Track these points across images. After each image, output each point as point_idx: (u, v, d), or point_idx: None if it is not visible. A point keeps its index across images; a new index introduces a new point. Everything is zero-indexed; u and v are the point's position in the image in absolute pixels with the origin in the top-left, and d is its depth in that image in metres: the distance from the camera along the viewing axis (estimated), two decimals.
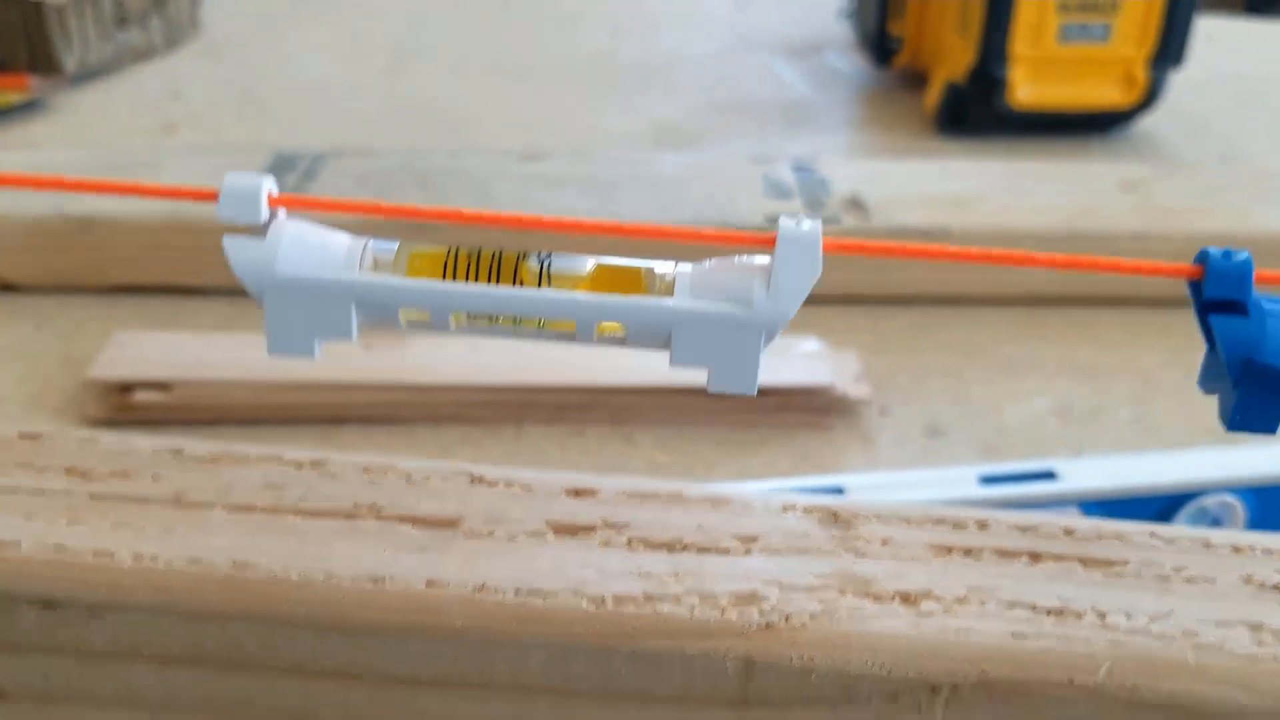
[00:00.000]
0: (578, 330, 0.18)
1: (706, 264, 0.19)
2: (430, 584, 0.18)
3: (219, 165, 0.54)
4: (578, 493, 0.21)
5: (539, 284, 0.18)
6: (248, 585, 0.18)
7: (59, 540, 0.19)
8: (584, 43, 0.86)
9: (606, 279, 0.19)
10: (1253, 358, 0.18)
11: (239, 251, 0.18)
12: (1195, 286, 0.19)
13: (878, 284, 0.51)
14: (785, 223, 0.18)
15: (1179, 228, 0.52)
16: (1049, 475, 0.36)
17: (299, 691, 0.19)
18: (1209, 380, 0.19)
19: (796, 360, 0.45)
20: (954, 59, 0.69)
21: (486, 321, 0.18)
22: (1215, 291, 0.18)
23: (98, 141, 0.66)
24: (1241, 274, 0.18)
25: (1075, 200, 0.54)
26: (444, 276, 0.18)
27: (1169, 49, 0.66)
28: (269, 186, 0.18)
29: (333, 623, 0.18)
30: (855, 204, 0.52)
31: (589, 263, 0.19)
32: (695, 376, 0.19)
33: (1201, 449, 0.38)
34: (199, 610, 0.18)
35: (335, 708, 0.19)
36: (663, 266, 0.19)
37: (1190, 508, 0.36)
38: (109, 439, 0.21)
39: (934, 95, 0.71)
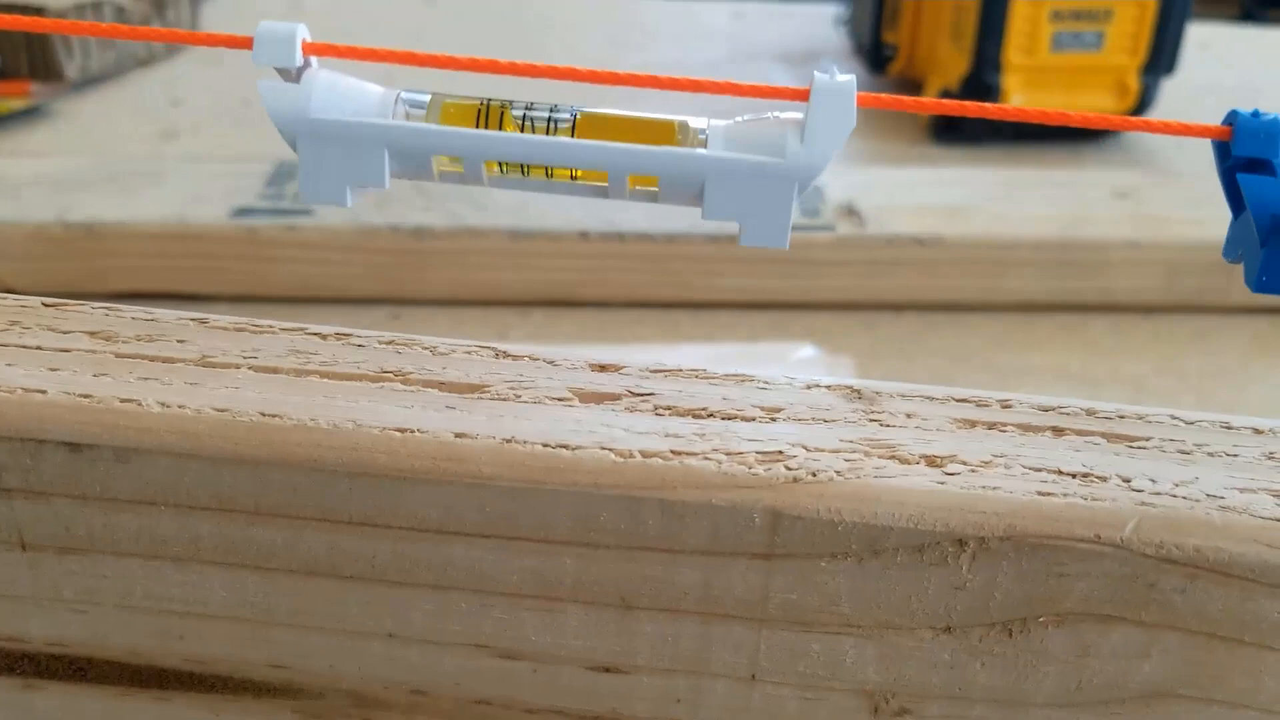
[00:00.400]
0: (610, 183, 0.19)
1: (739, 118, 0.19)
2: (459, 435, 0.18)
3: (221, 172, 0.54)
4: (603, 368, 0.21)
5: (573, 133, 0.18)
6: (276, 431, 0.18)
7: (85, 390, 0.19)
8: (583, 53, 0.87)
9: (640, 131, 0.19)
10: None
11: (274, 95, 0.18)
12: (1222, 148, 0.19)
13: (872, 291, 0.52)
14: (820, 75, 0.19)
15: (1171, 236, 0.52)
16: None
17: (324, 542, 0.19)
18: (1234, 247, 0.20)
19: (792, 368, 0.45)
20: (948, 67, 0.70)
21: (519, 173, 0.19)
22: (1244, 150, 0.19)
23: (98, 148, 0.67)
24: (1272, 132, 0.19)
25: (1068, 208, 0.54)
26: (476, 126, 0.19)
27: (1161, 57, 0.68)
28: (303, 33, 0.19)
29: (361, 468, 0.18)
30: (850, 212, 0.53)
31: (622, 115, 0.19)
32: None
33: None
34: (227, 455, 0.18)
35: (360, 559, 0.19)
36: (696, 121, 0.19)
37: None
38: (133, 309, 0.21)
39: None
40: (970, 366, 0.49)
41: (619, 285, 0.51)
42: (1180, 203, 0.56)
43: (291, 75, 0.19)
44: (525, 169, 0.19)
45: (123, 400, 0.18)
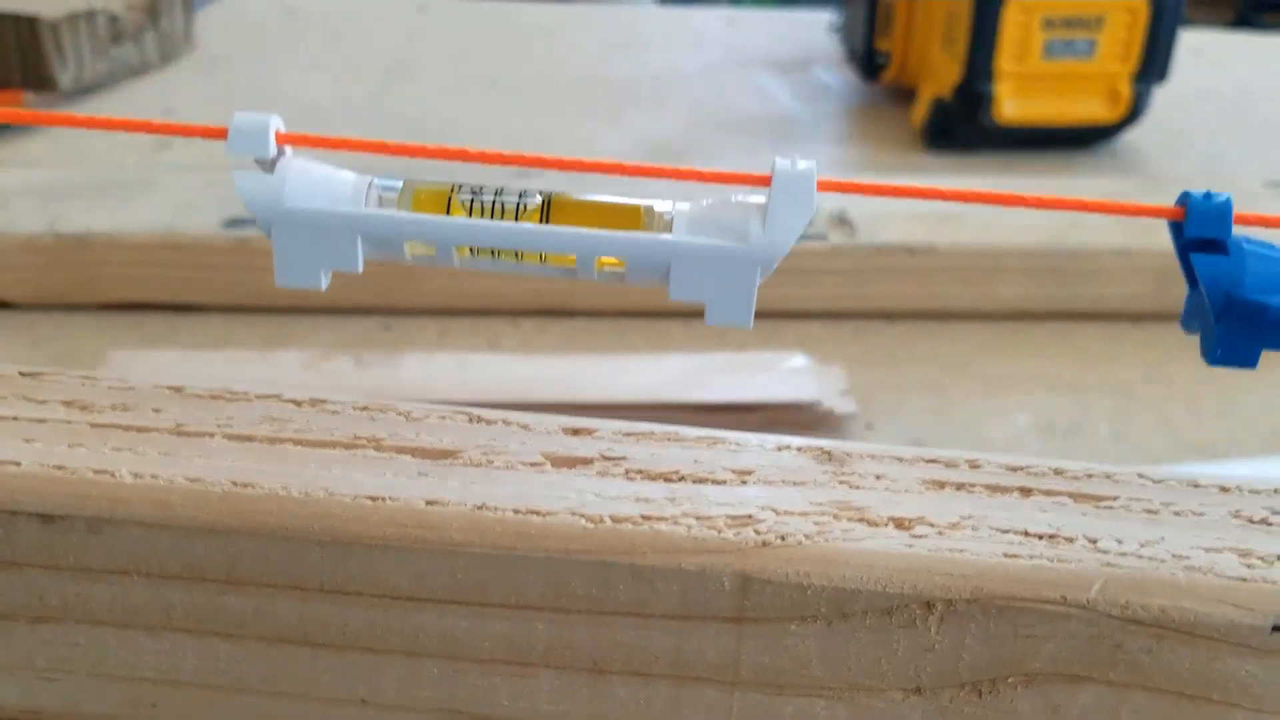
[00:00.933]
0: (578, 265, 0.19)
1: (704, 202, 0.19)
2: (430, 502, 0.19)
3: (213, 182, 0.54)
4: (575, 431, 0.21)
5: (541, 220, 0.19)
6: (248, 501, 0.18)
7: (59, 461, 0.19)
8: (575, 60, 0.87)
9: (607, 215, 0.19)
10: (1232, 293, 0.19)
11: (249, 186, 0.18)
12: (1177, 227, 0.19)
13: (862, 298, 0.52)
14: (781, 162, 0.19)
15: (1160, 243, 0.52)
16: None
17: (295, 610, 0.19)
18: (1191, 319, 0.20)
19: (783, 376, 0.45)
20: (941, 75, 0.70)
21: (490, 255, 0.19)
22: (1196, 231, 0.19)
23: (91, 158, 0.67)
24: (1221, 214, 0.19)
25: (1059, 215, 0.54)
26: (448, 213, 0.19)
27: (1152, 65, 0.67)
28: (276, 124, 0.19)
29: (332, 537, 0.18)
30: (842, 221, 0.53)
31: (590, 200, 0.19)
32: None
33: (1182, 465, 0.38)
34: (198, 525, 0.18)
35: (332, 626, 0.19)
36: (661, 205, 0.19)
37: None
38: (109, 377, 0.21)
39: (921, 111, 0.72)
40: (961, 375, 0.49)
41: (610, 294, 0.51)
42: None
43: (266, 164, 0.19)
44: (496, 252, 0.19)
45: (96, 471, 0.19)
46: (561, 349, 0.49)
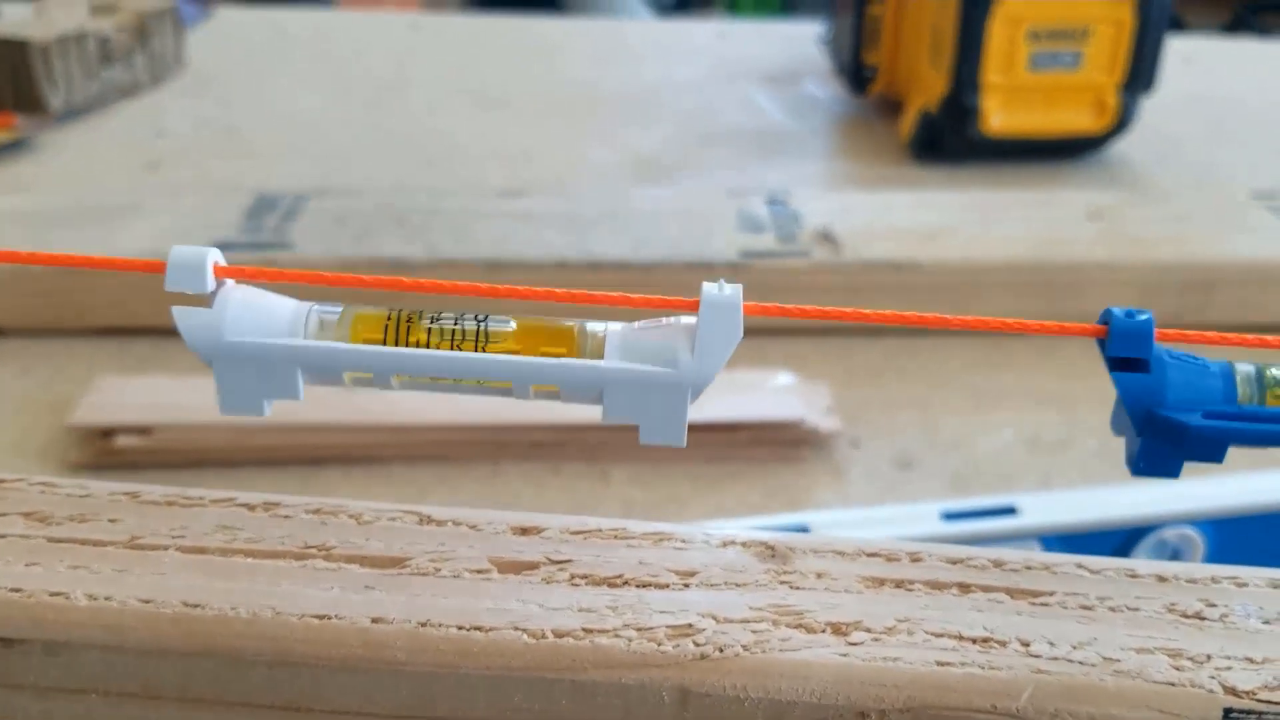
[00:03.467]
0: (514, 388, 0.19)
1: (635, 325, 0.20)
2: (375, 620, 0.19)
3: (201, 206, 0.55)
4: (524, 530, 0.22)
5: (477, 343, 0.19)
6: (198, 623, 0.19)
7: (16, 583, 0.19)
8: (567, 73, 0.88)
9: (543, 334, 0.20)
10: (1153, 410, 0.19)
11: (188, 320, 0.19)
12: (1102, 344, 0.20)
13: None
14: (708, 288, 0.19)
15: (1146, 256, 0.52)
16: (1010, 510, 0.37)
17: None
18: (1119, 425, 0.20)
19: (769, 394, 0.45)
20: (927, 88, 0.70)
21: (428, 380, 0.19)
22: (1117, 350, 0.20)
23: (83, 181, 0.67)
24: (1142, 332, 0.19)
25: (1044, 230, 0.55)
26: (385, 338, 0.19)
27: (1139, 75, 0.68)
28: (214, 257, 0.19)
29: (280, 658, 0.19)
30: (826, 238, 0.53)
31: (527, 321, 0.20)
32: None
33: (1161, 482, 0.39)
34: (151, 648, 0.19)
35: None
36: (594, 325, 0.20)
37: (1150, 540, 0.37)
38: (68, 484, 0.22)
39: (908, 124, 0.72)
40: (947, 390, 0.49)
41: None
42: (1156, 221, 0.56)
43: (205, 298, 0.19)
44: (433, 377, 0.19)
45: (52, 594, 0.19)
46: None
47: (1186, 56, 0.86)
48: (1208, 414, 0.20)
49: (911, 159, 0.71)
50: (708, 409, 0.42)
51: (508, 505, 0.42)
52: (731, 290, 0.19)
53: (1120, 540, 0.38)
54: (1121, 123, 0.69)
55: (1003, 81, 0.67)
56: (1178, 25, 1.87)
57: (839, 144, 0.76)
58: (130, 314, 0.50)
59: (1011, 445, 0.46)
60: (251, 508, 0.22)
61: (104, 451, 0.43)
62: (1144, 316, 0.19)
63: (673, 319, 0.20)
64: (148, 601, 0.19)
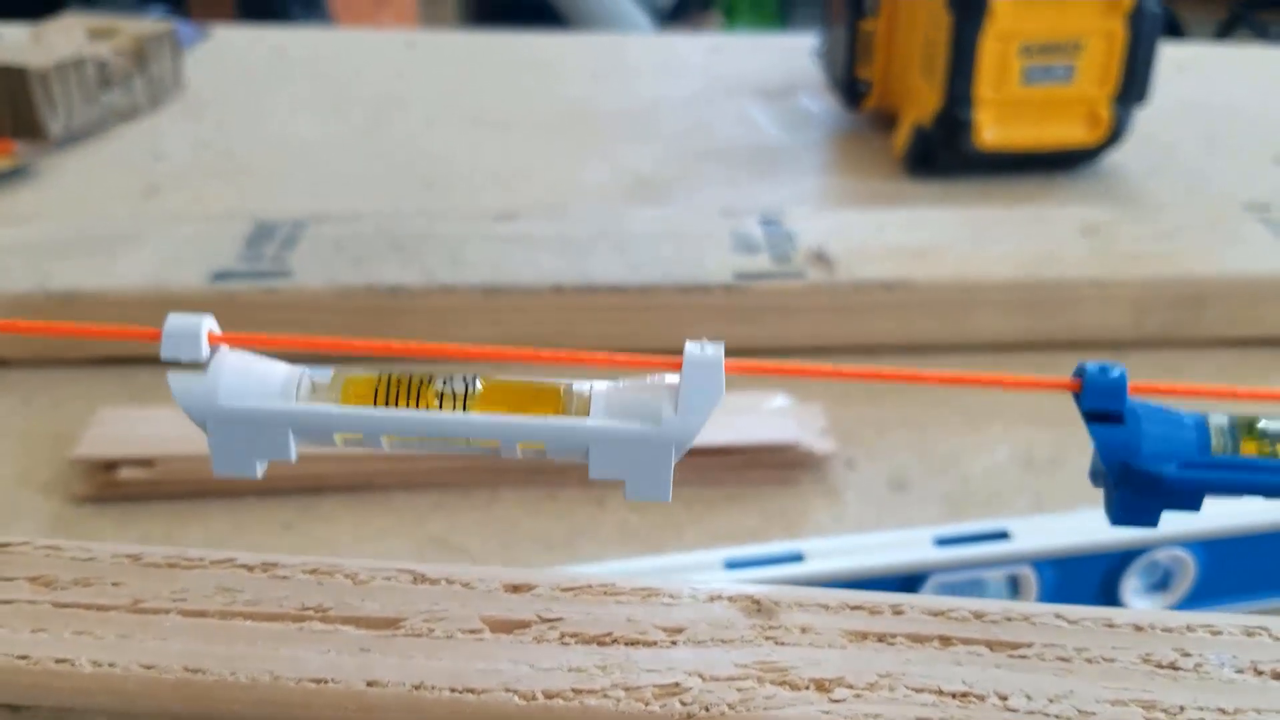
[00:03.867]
0: (501, 447, 0.20)
1: (620, 383, 0.20)
2: (370, 684, 0.20)
3: (200, 234, 0.55)
4: (515, 588, 0.22)
5: (465, 404, 0.20)
6: (199, 688, 0.20)
7: (23, 650, 0.20)
8: (562, 91, 0.88)
9: (529, 394, 0.20)
10: (1129, 463, 0.20)
11: (183, 386, 0.19)
12: (1077, 397, 0.20)
13: (842, 335, 0.53)
14: (691, 347, 0.20)
15: (1138, 273, 0.53)
16: (1002, 535, 0.37)
17: None
18: (1097, 477, 0.21)
19: (764, 417, 0.46)
20: (920, 103, 0.70)
21: (418, 440, 0.20)
22: (1092, 404, 0.20)
23: (83, 208, 0.68)
24: (1116, 387, 0.20)
25: (1037, 247, 0.55)
26: (375, 400, 0.20)
27: (1132, 87, 0.68)
28: (209, 325, 0.20)
29: None
30: (820, 258, 0.53)
31: (513, 382, 0.20)
32: None
33: None
34: (154, 713, 0.19)
35: None
36: (580, 385, 0.20)
37: (1141, 562, 0.38)
38: (72, 547, 0.22)
39: (902, 138, 0.72)
40: (941, 409, 0.50)
41: (593, 337, 0.52)
42: (1149, 237, 0.56)
43: (200, 364, 0.20)
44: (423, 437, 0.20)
45: (58, 661, 0.20)
46: None
47: (1180, 64, 0.86)
48: (1183, 464, 0.20)
49: (905, 173, 0.72)
50: (703, 432, 0.43)
51: (505, 532, 0.42)
52: (713, 349, 0.20)
53: (1113, 563, 0.38)
54: (1115, 134, 0.69)
55: (996, 95, 0.68)
56: (1173, 25, 1.87)
57: (833, 159, 0.77)
58: (130, 346, 0.51)
59: (1005, 464, 0.46)
60: (250, 568, 0.22)
61: (108, 484, 0.43)
62: (1117, 372, 0.20)
63: (656, 377, 0.20)
64: (150, 667, 0.20)
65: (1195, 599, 0.38)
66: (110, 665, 0.20)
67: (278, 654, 0.20)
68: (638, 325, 0.52)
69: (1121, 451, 0.20)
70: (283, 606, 0.21)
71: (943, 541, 0.37)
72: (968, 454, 0.47)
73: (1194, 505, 0.21)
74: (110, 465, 0.43)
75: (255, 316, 0.51)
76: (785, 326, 0.53)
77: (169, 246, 0.54)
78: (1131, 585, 0.38)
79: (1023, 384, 0.20)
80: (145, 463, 0.43)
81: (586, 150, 0.77)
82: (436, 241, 0.55)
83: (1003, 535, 0.38)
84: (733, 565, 0.36)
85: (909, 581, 0.37)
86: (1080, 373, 0.20)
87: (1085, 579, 0.38)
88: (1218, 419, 0.22)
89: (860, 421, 0.48)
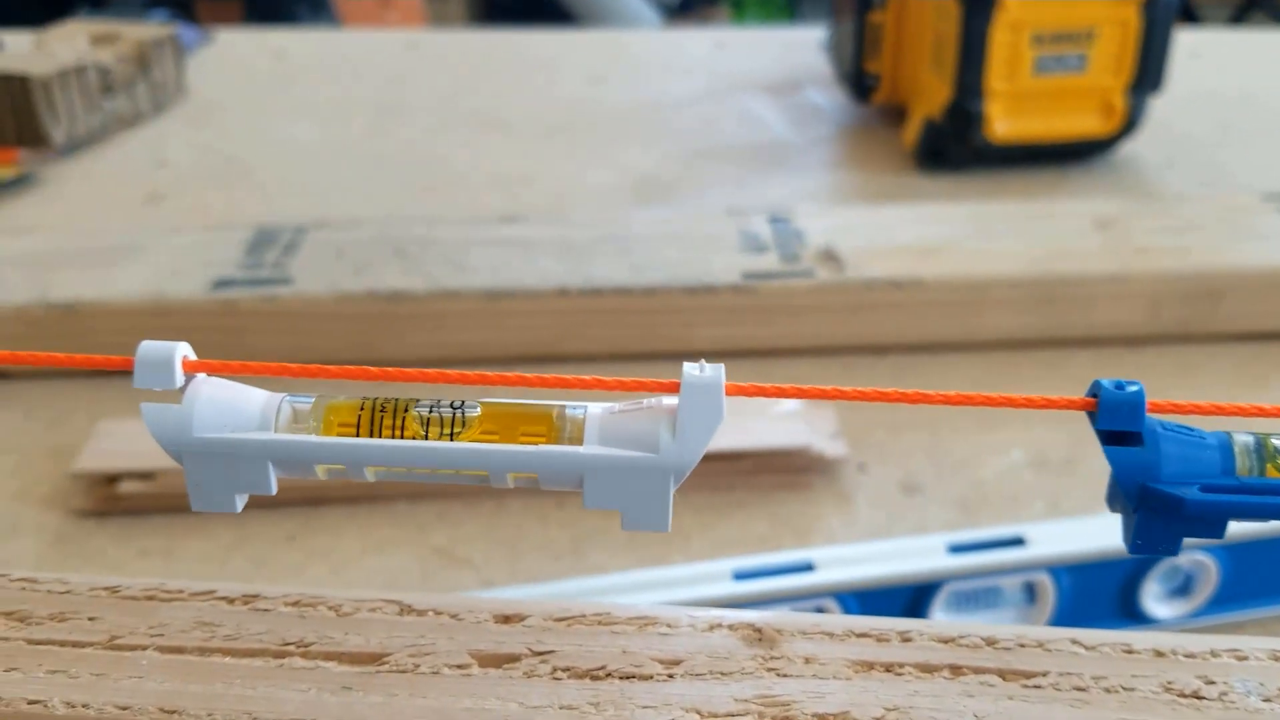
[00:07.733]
0: (491, 477, 0.19)
1: (615, 407, 0.19)
2: None
3: (201, 242, 0.55)
4: (506, 619, 0.21)
5: (453, 429, 0.19)
6: None
7: None
8: (566, 91, 0.87)
9: (520, 418, 0.19)
10: (1147, 484, 0.18)
11: (156, 417, 0.19)
12: (1092, 416, 0.19)
13: (852, 334, 0.52)
14: (689, 370, 0.19)
15: (1153, 267, 0.52)
16: (1018, 541, 0.36)
17: None
18: (1114, 501, 0.20)
19: (774, 421, 0.45)
20: (931, 96, 0.69)
21: (404, 470, 0.19)
22: (1107, 424, 0.19)
23: (85, 216, 0.67)
24: (1133, 404, 0.19)
25: (1049, 242, 0.54)
26: (358, 428, 0.19)
27: (1147, 76, 0.67)
28: (183, 352, 0.19)
29: None
30: (829, 256, 0.52)
31: (503, 404, 0.19)
32: None
33: None
34: None
35: None
36: (573, 407, 0.19)
37: (1162, 567, 0.37)
38: (48, 580, 0.22)
39: (912, 132, 0.71)
40: (953, 411, 0.49)
41: (598, 339, 0.51)
42: (1164, 230, 0.55)
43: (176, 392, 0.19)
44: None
45: (30, 702, 0.19)
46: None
47: (1194, 51, 0.85)
48: (1205, 487, 0.19)
49: (916, 167, 0.70)
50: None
51: (511, 542, 0.42)
52: (713, 371, 0.19)
53: (1132, 568, 0.37)
54: (1129, 124, 0.68)
55: (1007, 87, 0.66)
56: (1187, 10, 1.85)
57: (842, 154, 0.75)
58: (131, 354, 0.50)
59: (1018, 467, 0.45)
60: (231, 600, 0.21)
61: (108, 497, 0.43)
62: (1134, 388, 0.19)
63: (653, 400, 0.19)
64: (125, 708, 0.19)
65: (1218, 605, 0.37)
66: (84, 706, 0.19)
67: (256, 693, 0.19)
68: (644, 328, 0.51)
69: (1140, 473, 0.19)
70: (263, 642, 0.20)
71: (957, 549, 0.36)
72: (981, 456, 0.46)
73: (1217, 531, 0.19)
74: (111, 479, 0.43)
75: (256, 324, 0.50)
76: (794, 326, 0.52)
77: (169, 255, 0.54)
78: (1152, 591, 0.37)
79: (1034, 404, 0.19)
80: (146, 476, 0.43)
81: (590, 151, 0.76)
82: (438, 246, 0.54)
83: (1018, 541, 0.37)
84: (741, 576, 0.35)
85: (922, 590, 0.36)
86: (1095, 390, 0.19)
87: (1104, 585, 0.37)
88: (1243, 438, 0.20)
89: (871, 423, 0.47)
